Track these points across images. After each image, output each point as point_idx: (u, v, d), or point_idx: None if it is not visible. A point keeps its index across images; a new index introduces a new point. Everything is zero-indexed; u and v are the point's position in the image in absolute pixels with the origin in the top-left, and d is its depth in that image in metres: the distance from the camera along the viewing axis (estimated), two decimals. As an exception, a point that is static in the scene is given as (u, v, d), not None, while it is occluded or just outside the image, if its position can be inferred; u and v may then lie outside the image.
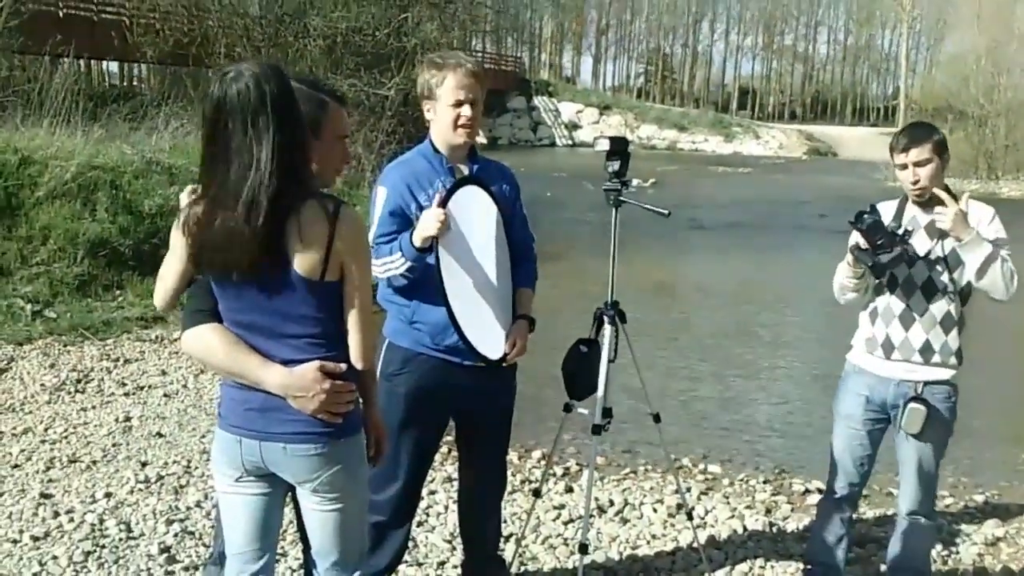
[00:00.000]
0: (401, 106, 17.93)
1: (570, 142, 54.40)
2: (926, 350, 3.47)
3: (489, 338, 3.37)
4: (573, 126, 56.55)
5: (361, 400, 2.57)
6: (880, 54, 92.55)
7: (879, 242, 3.36)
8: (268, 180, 2.22)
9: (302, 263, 2.27)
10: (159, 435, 5.74)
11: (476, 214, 3.33)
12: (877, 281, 3.56)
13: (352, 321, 2.38)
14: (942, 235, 3.42)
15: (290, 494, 2.56)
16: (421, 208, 3.26)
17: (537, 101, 57.59)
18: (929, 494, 3.66)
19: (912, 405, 3.45)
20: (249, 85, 2.24)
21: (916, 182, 3.44)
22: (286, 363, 2.35)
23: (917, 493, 3.62)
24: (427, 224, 3.11)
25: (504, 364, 3.40)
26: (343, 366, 2.39)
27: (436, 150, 3.40)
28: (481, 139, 47.31)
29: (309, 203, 2.27)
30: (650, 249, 14.56)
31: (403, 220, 3.28)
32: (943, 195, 3.36)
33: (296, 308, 2.33)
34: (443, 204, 3.12)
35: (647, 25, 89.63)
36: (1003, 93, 40.38)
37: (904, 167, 3.46)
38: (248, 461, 2.42)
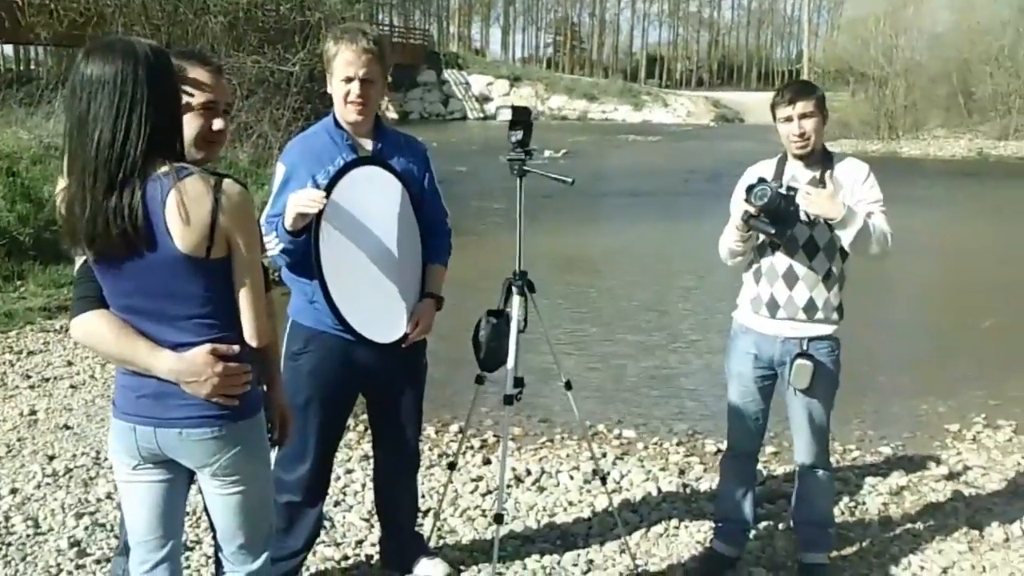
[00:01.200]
0: (307, 82, 17.62)
1: (481, 115, 54.27)
2: (810, 307, 3.56)
3: (384, 319, 3.33)
4: (484, 99, 56.40)
5: (263, 380, 2.53)
6: (783, 18, 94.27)
7: (777, 214, 3.40)
8: (135, 155, 2.15)
9: (185, 240, 2.20)
10: (66, 427, 5.59)
11: (375, 194, 3.28)
12: (760, 241, 3.62)
13: (243, 299, 2.32)
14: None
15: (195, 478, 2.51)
16: (317, 185, 3.21)
17: (447, 74, 57.29)
18: (823, 446, 3.77)
19: (799, 361, 3.54)
20: (114, 59, 2.16)
21: (802, 134, 3.50)
22: (177, 347, 2.29)
23: (811, 446, 3.73)
24: (295, 206, 3.07)
25: (404, 344, 3.38)
26: (236, 347, 2.33)
27: (339, 125, 3.35)
28: (392, 114, 47.00)
29: (190, 178, 2.20)
30: (561, 220, 14.64)
31: None
32: (828, 180, 3.47)
33: (182, 288, 2.26)
34: (327, 189, 3.09)
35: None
36: (901, 54, 41.46)
37: (789, 119, 3.52)
38: (144, 448, 2.36)
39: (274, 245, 3.19)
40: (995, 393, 6.88)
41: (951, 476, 5.14)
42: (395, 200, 3.34)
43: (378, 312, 3.32)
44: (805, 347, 3.59)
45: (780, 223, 3.42)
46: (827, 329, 3.62)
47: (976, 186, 24.22)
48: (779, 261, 3.58)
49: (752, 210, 3.43)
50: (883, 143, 36.89)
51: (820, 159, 3.59)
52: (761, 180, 3.47)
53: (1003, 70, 39.40)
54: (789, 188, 3.43)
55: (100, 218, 2.17)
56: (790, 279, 3.57)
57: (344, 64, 3.23)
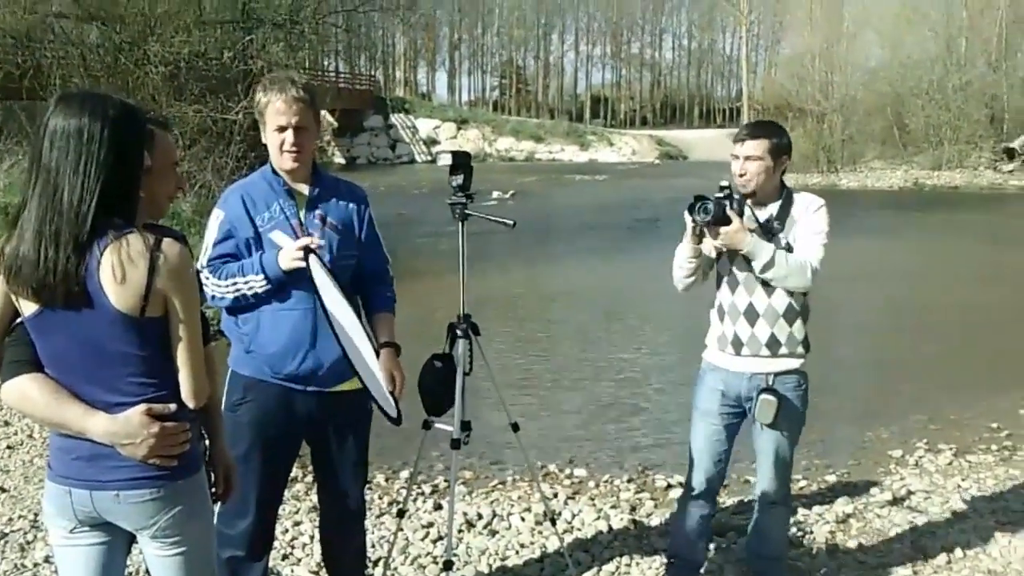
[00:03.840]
0: (250, 131, 17.56)
1: (429, 158, 54.37)
2: (773, 343, 3.58)
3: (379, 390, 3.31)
4: (431, 142, 56.56)
5: (205, 434, 2.50)
6: (723, 57, 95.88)
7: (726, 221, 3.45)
8: (84, 212, 2.15)
9: (120, 299, 2.18)
10: (2, 490, 5.44)
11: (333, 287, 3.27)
12: (713, 269, 3.68)
13: (180, 357, 2.29)
14: (775, 230, 3.54)
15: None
16: (256, 232, 3.22)
17: (394, 119, 57.41)
18: (785, 481, 3.79)
19: (764, 396, 3.55)
20: (82, 113, 2.17)
21: (742, 175, 3.55)
22: (112, 407, 2.25)
23: (774, 481, 3.74)
24: (290, 254, 3.12)
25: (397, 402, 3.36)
26: (172, 406, 2.29)
27: (275, 172, 3.34)
28: (339, 159, 46.93)
29: (130, 236, 2.19)
30: (509, 260, 14.69)
31: (237, 243, 3.24)
32: (731, 213, 3.46)
33: (117, 347, 2.23)
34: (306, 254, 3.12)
35: (498, 38, 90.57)
36: (837, 90, 42.57)
37: (736, 157, 3.58)
38: (81, 512, 2.31)
39: (254, 285, 3.18)
40: (936, 417, 7.04)
41: (895, 501, 5.22)
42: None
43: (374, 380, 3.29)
44: (771, 382, 3.59)
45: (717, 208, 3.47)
46: (793, 364, 3.63)
47: (913, 215, 24.82)
48: (739, 299, 3.61)
49: (698, 228, 3.51)
50: (823, 176, 37.71)
51: (776, 198, 3.60)
52: (698, 198, 3.50)
53: (934, 103, 40.71)
54: (722, 188, 3.50)
55: (49, 269, 2.14)
56: (751, 316, 3.59)
57: (276, 114, 3.23)
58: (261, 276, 3.16)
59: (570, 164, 54.12)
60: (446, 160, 3.82)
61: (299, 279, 3.20)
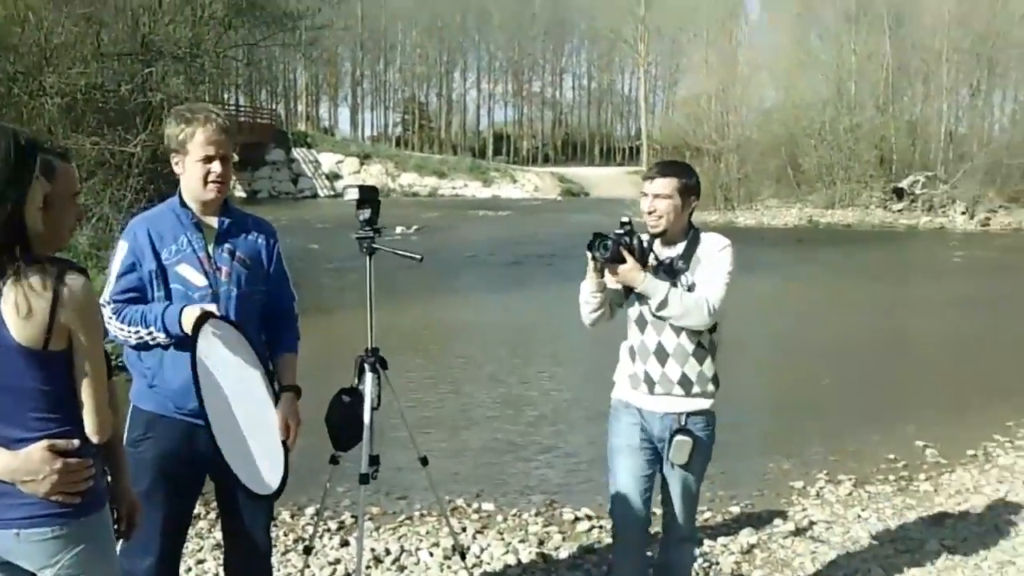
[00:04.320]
0: (149, 163, 17.27)
1: (332, 192, 53.98)
2: (684, 382, 3.55)
3: (261, 463, 3.25)
4: (334, 176, 56.20)
5: (108, 471, 2.45)
6: (622, 97, 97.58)
7: (613, 247, 3.46)
8: None
9: (22, 332, 2.14)
10: None
11: (234, 352, 3.21)
12: (622, 307, 3.67)
13: (84, 392, 2.25)
14: (680, 269, 3.54)
15: None
16: (161, 265, 3.17)
17: (296, 153, 56.90)
18: (692, 517, 3.79)
19: (679, 438, 3.53)
20: None
21: (651, 212, 3.55)
22: (13, 443, 2.20)
23: (682, 519, 3.72)
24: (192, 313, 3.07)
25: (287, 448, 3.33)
26: (76, 442, 2.25)
27: (184, 204, 3.31)
28: (240, 192, 46.31)
29: (30, 269, 2.15)
30: (414, 294, 14.66)
31: (141, 277, 3.19)
32: (624, 252, 3.47)
33: (18, 381, 2.18)
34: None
35: (401, 75, 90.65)
36: (733, 130, 43.82)
37: (645, 195, 3.58)
38: None
39: (153, 338, 3.13)
40: (835, 448, 7.23)
41: (798, 532, 5.33)
42: (242, 347, 3.26)
43: (249, 457, 3.22)
44: (683, 422, 3.56)
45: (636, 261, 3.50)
46: (704, 404, 3.60)
47: (808, 251, 25.62)
48: (649, 338, 3.58)
49: (598, 264, 3.51)
50: (720, 213, 38.61)
51: (683, 238, 3.59)
52: (596, 235, 3.51)
53: (826, 143, 42.19)
54: (623, 224, 3.52)
55: None
56: (661, 356, 3.56)
57: (203, 144, 3.20)
58: (160, 333, 3.12)
59: (473, 200, 54.37)
60: (353, 194, 3.83)
61: (195, 302, 3.19)
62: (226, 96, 48.21)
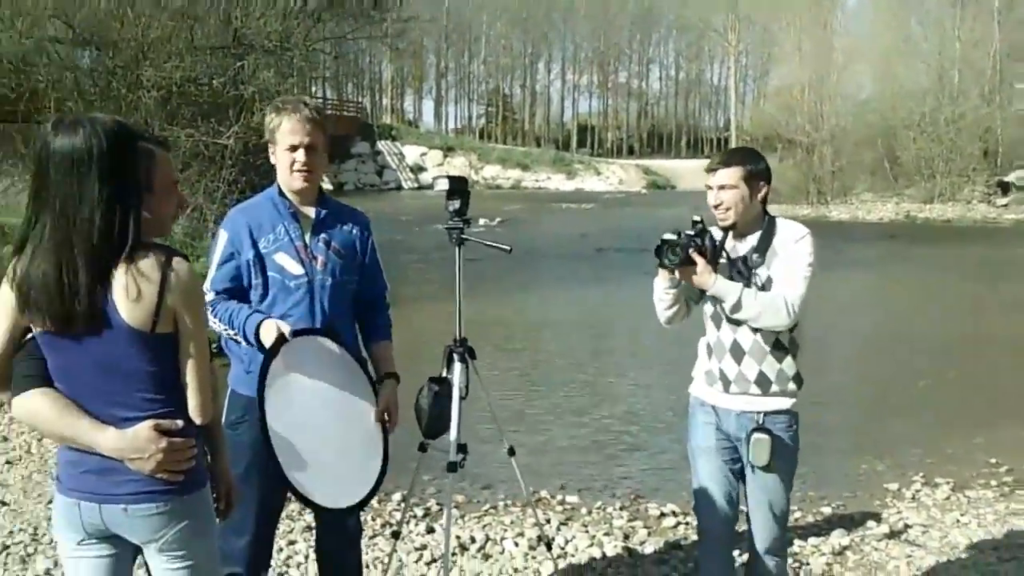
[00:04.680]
0: (242, 155, 17.61)
1: (416, 185, 54.55)
2: (762, 381, 3.38)
3: (347, 478, 3.30)
4: (418, 169, 56.74)
5: (208, 452, 2.52)
6: (710, 87, 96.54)
7: (682, 252, 3.33)
8: (92, 233, 2.19)
9: (132, 315, 2.22)
10: (3, 503, 5.44)
11: (317, 363, 3.25)
12: (698, 303, 3.55)
13: (188, 374, 2.34)
14: (754, 263, 3.39)
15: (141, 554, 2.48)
16: (259, 253, 3.25)
17: (381, 145, 57.60)
18: (781, 531, 3.54)
19: (756, 436, 3.36)
20: (77, 136, 2.21)
21: (718, 205, 3.39)
22: (121, 422, 2.28)
23: (768, 530, 3.50)
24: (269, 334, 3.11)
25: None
26: (180, 422, 2.33)
27: (282, 194, 3.39)
28: (327, 185, 46.81)
29: (139, 255, 2.23)
30: (498, 286, 14.72)
31: (239, 265, 3.29)
32: (695, 255, 3.31)
33: (127, 363, 2.27)
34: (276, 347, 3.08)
35: (485, 67, 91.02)
36: (827, 121, 42.60)
37: (710, 188, 3.42)
38: (89, 524, 2.34)
39: (238, 340, 3.21)
40: (932, 451, 7.01)
41: (892, 535, 5.20)
42: (339, 363, 3.32)
43: (333, 473, 3.27)
44: (761, 421, 3.39)
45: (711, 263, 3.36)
46: (784, 403, 3.41)
47: (905, 248, 24.89)
48: (725, 335, 3.43)
49: (669, 272, 3.40)
50: (812, 207, 37.78)
51: (758, 227, 3.42)
52: (664, 241, 3.37)
53: (925, 135, 40.59)
54: (694, 224, 3.39)
55: (72, 295, 2.18)
56: (736, 353, 3.40)
57: (288, 133, 3.29)
58: (242, 337, 3.20)
59: (557, 192, 54.35)
60: (443, 185, 3.85)
61: (284, 299, 3.30)
62: (314, 89, 49.05)
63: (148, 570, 2.48)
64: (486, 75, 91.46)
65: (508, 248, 3.89)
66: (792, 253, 3.36)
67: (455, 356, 3.80)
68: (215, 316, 3.23)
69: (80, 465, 2.32)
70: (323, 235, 3.39)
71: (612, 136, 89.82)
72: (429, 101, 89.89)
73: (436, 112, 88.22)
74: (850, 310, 13.05)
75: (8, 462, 6.26)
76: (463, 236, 3.82)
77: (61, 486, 2.37)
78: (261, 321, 3.15)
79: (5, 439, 6.73)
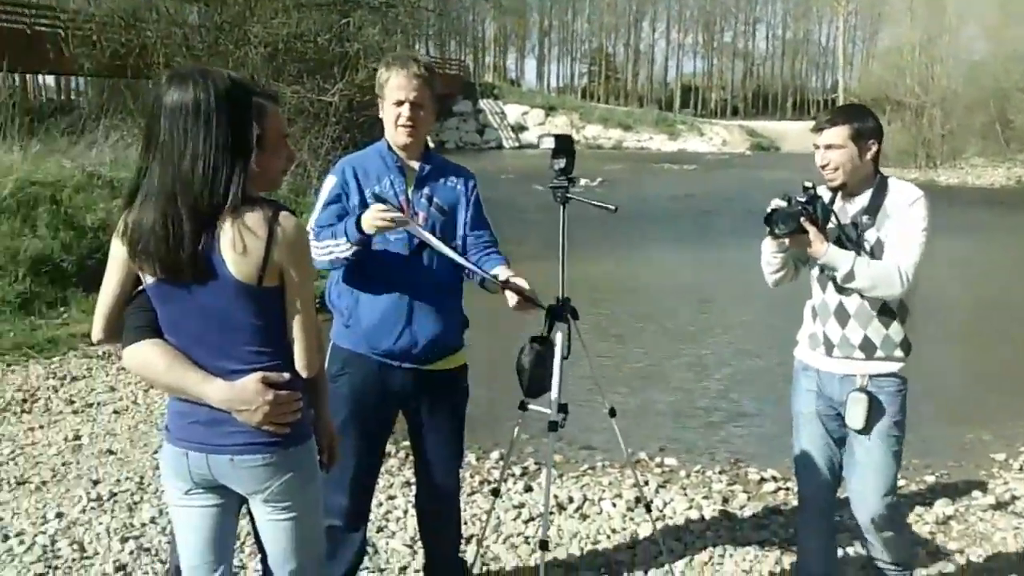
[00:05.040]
0: (346, 112, 17.81)
1: (517, 144, 54.43)
2: (866, 346, 3.29)
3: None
4: (519, 128, 56.60)
5: (312, 405, 2.54)
6: (818, 48, 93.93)
7: (791, 221, 3.22)
8: (206, 186, 2.21)
9: (239, 268, 2.24)
10: (110, 452, 5.64)
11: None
12: (806, 265, 3.45)
13: (295, 328, 2.35)
14: (864, 226, 3.27)
15: (245, 504, 2.52)
16: (364, 202, 3.29)
17: (483, 104, 57.57)
18: (886, 499, 3.36)
19: (853, 394, 3.29)
20: (190, 89, 2.22)
21: (825, 165, 3.29)
22: (228, 374, 2.31)
23: (872, 498, 3.36)
24: (373, 218, 3.11)
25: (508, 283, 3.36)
26: (286, 375, 2.35)
27: (390, 148, 3.40)
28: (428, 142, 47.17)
29: (247, 209, 2.24)
30: (601, 247, 14.62)
31: (345, 208, 3.32)
32: (806, 223, 3.20)
33: (234, 315, 2.29)
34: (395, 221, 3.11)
35: (589, 25, 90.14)
36: (938, 83, 41.24)
37: (817, 147, 3.32)
38: (196, 474, 2.38)
39: (343, 249, 3.22)
40: (1043, 423, 6.77)
41: (999, 505, 5.06)
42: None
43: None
44: (864, 384, 3.29)
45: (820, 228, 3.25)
46: (889, 366, 3.30)
47: (1015, 214, 23.94)
48: (830, 298, 3.35)
49: (780, 240, 3.31)
50: (920, 171, 36.65)
51: (868, 187, 3.30)
52: (775, 210, 3.27)
53: (1041, 99, 38.98)
54: (805, 190, 3.27)
55: (177, 244, 2.21)
56: (841, 317, 3.32)
57: (395, 88, 3.31)
58: (344, 240, 3.20)
59: (658, 153, 53.65)
60: (549, 144, 3.78)
61: (385, 254, 3.30)
62: (417, 47, 49.17)
63: (252, 520, 2.52)
64: (589, 34, 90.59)
65: (614, 208, 3.82)
66: (905, 217, 3.23)
67: (558, 316, 3.76)
68: (319, 241, 3.23)
69: (189, 416, 2.36)
70: (425, 190, 3.40)
71: (716, 96, 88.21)
72: (531, 59, 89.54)
73: (538, 71, 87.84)
74: (957, 276, 12.61)
75: (116, 412, 6.47)
76: (568, 195, 3.76)
77: (170, 436, 2.42)
78: (360, 215, 3.17)
79: (113, 389, 6.97)
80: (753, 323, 10.57)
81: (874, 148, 3.30)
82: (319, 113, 17.73)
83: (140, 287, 2.38)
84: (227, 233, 2.22)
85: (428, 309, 3.36)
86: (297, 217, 2.36)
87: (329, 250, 3.24)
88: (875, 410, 3.27)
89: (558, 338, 3.71)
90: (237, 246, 2.22)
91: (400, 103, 3.31)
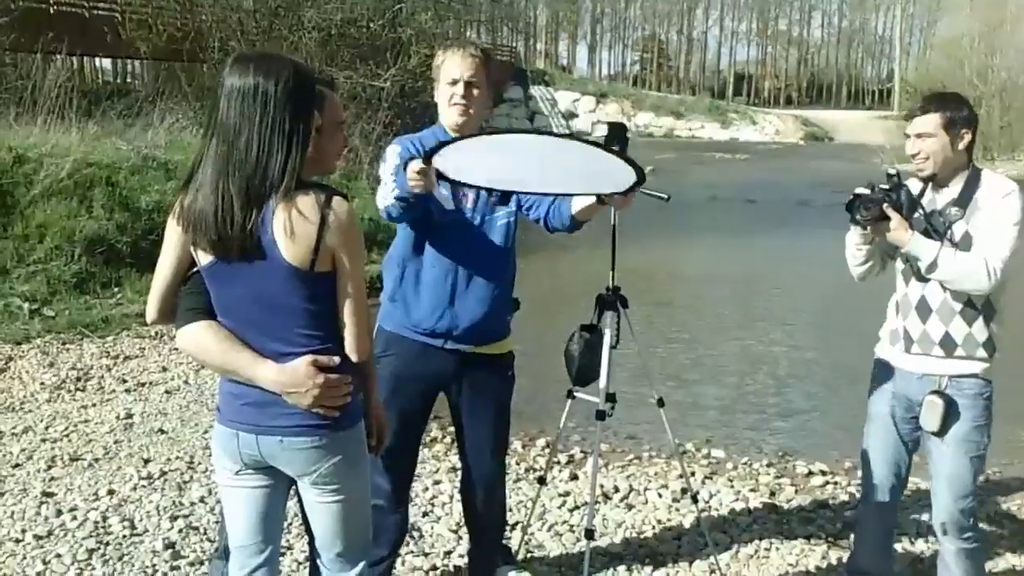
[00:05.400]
0: (398, 98, 17.87)
1: (567, 131, 54.31)
2: (947, 343, 3.17)
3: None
4: (570, 115, 56.44)
5: (362, 388, 2.55)
6: (874, 37, 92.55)
7: (874, 208, 3.14)
8: (261, 169, 2.22)
9: (291, 252, 2.25)
10: (161, 431, 5.73)
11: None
12: (893, 259, 3.35)
13: (346, 312, 2.36)
14: (953, 218, 3.16)
15: (294, 486, 2.54)
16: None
17: (534, 91, 57.44)
18: (963, 509, 3.27)
19: (928, 398, 3.18)
20: (251, 73, 2.25)
21: (916, 154, 3.18)
22: (280, 357, 2.33)
23: (951, 507, 3.26)
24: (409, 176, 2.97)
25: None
26: (337, 359, 2.36)
27: (446, 131, 3.40)
28: (478, 129, 47.13)
29: (301, 193, 2.25)
30: (650, 236, 14.53)
31: None
32: (889, 210, 3.12)
33: (287, 299, 2.30)
34: (427, 159, 2.91)
35: (642, 12, 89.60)
36: (996, 74, 40.47)
37: (908, 136, 3.21)
38: (246, 455, 2.40)
39: (390, 190, 3.12)
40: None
41: (1051, 505, 4.96)
42: None
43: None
44: (943, 385, 3.19)
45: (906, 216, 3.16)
46: (971, 367, 3.19)
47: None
48: (913, 292, 3.24)
49: (864, 230, 3.22)
50: (978, 163, 35.98)
51: (958, 180, 3.19)
52: (856, 196, 3.18)
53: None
54: (889, 177, 3.19)
55: (227, 223, 2.23)
56: (923, 311, 3.20)
57: (451, 68, 3.31)
58: (394, 186, 3.13)
59: (710, 142, 53.23)
60: (602, 131, 3.76)
61: (431, 232, 3.28)
62: (469, 32, 49.17)
63: (300, 501, 2.54)
64: (642, 20, 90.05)
65: (667, 197, 3.79)
66: (997, 210, 3.11)
67: (608, 304, 3.74)
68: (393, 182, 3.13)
69: (240, 397, 2.38)
70: None
71: (770, 85, 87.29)
72: (583, 47, 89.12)
73: (590, 58, 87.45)
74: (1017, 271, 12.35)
75: (167, 392, 6.57)
76: (621, 183, 3.73)
77: (221, 416, 2.44)
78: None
79: (164, 369, 7.07)
80: (804, 316, 10.46)
81: (967, 138, 3.19)
82: (371, 99, 17.80)
83: (195, 269, 2.40)
84: (279, 217, 2.23)
85: (472, 291, 3.35)
86: (350, 202, 2.37)
87: (383, 192, 3.17)
88: (952, 414, 3.18)
89: (607, 327, 3.69)
90: (288, 230, 2.23)
91: (455, 82, 3.29)
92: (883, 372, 3.40)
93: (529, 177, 3.06)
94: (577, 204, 3.33)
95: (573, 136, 2.89)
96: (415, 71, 17.66)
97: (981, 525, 4.47)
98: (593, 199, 3.23)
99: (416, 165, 2.91)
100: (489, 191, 3.31)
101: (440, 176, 2.95)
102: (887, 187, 3.18)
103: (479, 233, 3.37)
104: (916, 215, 3.20)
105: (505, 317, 3.52)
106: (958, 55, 43.03)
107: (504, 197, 3.33)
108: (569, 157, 2.99)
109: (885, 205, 3.13)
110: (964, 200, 3.16)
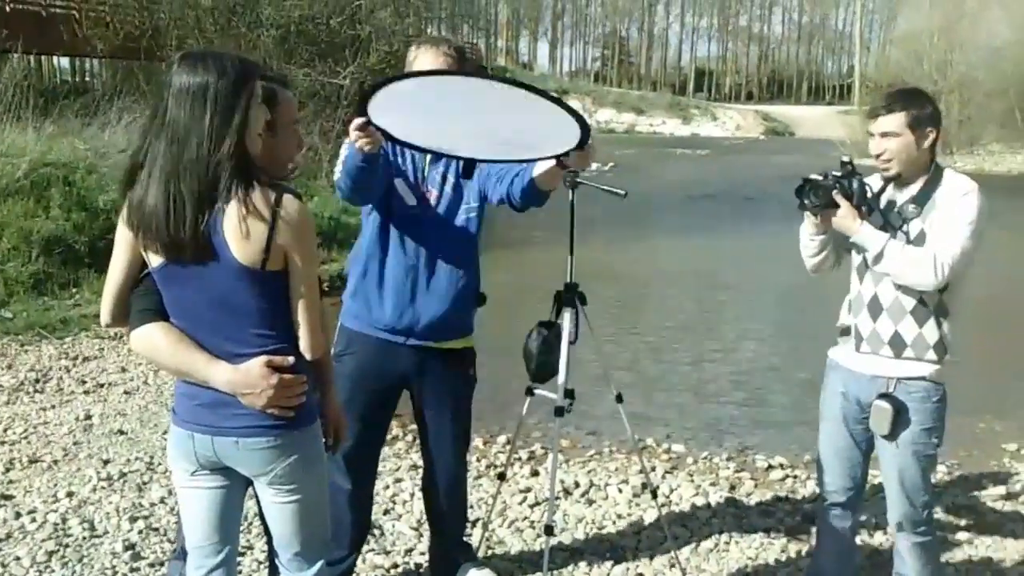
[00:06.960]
0: (357, 95, 17.78)
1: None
2: (896, 343, 3.12)
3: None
4: (532, 111, 56.44)
5: (317, 387, 2.55)
6: (834, 32, 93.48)
7: (824, 194, 3.11)
8: (211, 168, 2.21)
9: (242, 252, 2.24)
10: (120, 432, 5.68)
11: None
12: (849, 252, 3.30)
13: (299, 311, 2.35)
14: (909, 216, 3.11)
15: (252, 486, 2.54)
16: (388, 163, 3.24)
17: (495, 87, 57.39)
18: (916, 506, 3.25)
19: (876, 402, 3.14)
20: (199, 70, 2.23)
21: (879, 155, 3.10)
22: (233, 357, 2.32)
23: (904, 504, 3.24)
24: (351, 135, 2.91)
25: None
26: (291, 359, 2.36)
27: None
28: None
29: (251, 192, 2.24)
30: (610, 232, 14.60)
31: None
32: (838, 197, 3.08)
33: (238, 298, 2.29)
34: (363, 104, 2.79)
35: (602, 8, 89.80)
36: (955, 69, 40.88)
37: (872, 135, 3.13)
38: (202, 456, 2.39)
39: (343, 156, 3.09)
40: (1056, 413, 6.73)
41: (1010, 496, 5.04)
42: None
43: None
44: (891, 387, 3.14)
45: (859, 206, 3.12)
46: (919, 369, 3.13)
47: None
48: (865, 289, 3.19)
49: (813, 214, 3.17)
50: (937, 158, 36.35)
51: (919, 179, 3.12)
52: (807, 180, 3.14)
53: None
54: (843, 164, 3.15)
55: (179, 225, 2.22)
56: (874, 309, 3.15)
57: (423, 65, 3.27)
58: (345, 157, 3.08)
59: (671, 138, 53.51)
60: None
61: (394, 224, 3.27)
62: (429, 30, 49.02)
63: (258, 502, 2.54)
64: (603, 17, 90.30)
65: (623, 193, 3.82)
66: (953, 208, 3.04)
67: (565, 301, 3.76)
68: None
69: (195, 398, 2.37)
70: (440, 167, 3.35)
71: (731, 81, 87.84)
72: (544, 43, 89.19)
73: (551, 55, 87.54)
74: (975, 263, 12.51)
75: (126, 392, 6.51)
76: (577, 180, 3.75)
77: (176, 418, 2.43)
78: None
79: (124, 370, 7.01)
80: (764, 312, 10.54)
81: (932, 136, 3.12)
82: (330, 96, 17.72)
83: (147, 270, 2.39)
84: (230, 217, 2.22)
85: (434, 288, 3.34)
86: (302, 200, 2.36)
87: (341, 166, 3.12)
88: (901, 420, 3.13)
89: (565, 323, 3.71)
90: (240, 229, 2.22)
91: None
92: (833, 372, 3.37)
93: (478, 141, 2.97)
94: (538, 170, 3.18)
95: (516, 82, 2.74)
96: (374, 68, 17.60)
97: (939, 517, 4.57)
98: (552, 163, 3.09)
99: (356, 122, 2.83)
100: (450, 158, 3.21)
101: (387, 137, 2.88)
102: (839, 174, 3.13)
103: (442, 229, 3.36)
104: (873, 212, 3.16)
105: (468, 313, 3.51)
106: (917, 50, 43.44)
107: (467, 170, 3.17)
108: (514, 112, 2.82)
109: (835, 192, 3.10)
110: (923, 198, 3.10)
